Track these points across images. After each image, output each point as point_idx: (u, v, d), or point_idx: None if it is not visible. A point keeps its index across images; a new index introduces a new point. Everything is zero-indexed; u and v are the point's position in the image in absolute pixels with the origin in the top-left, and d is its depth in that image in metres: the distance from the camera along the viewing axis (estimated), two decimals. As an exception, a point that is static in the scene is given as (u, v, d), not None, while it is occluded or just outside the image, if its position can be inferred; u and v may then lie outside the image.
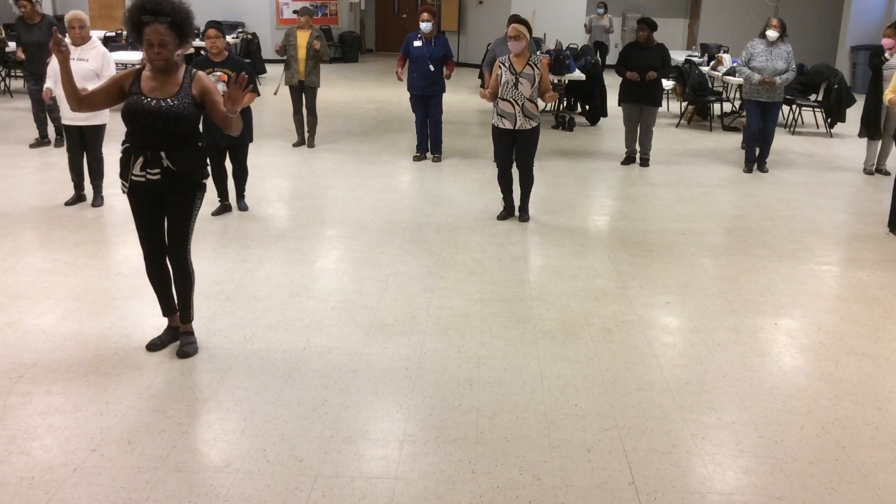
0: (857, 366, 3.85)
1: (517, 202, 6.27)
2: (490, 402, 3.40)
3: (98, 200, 6.22)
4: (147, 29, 3.37)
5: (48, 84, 6.00)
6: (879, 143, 8.15)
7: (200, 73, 3.59)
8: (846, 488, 2.87)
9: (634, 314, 4.39)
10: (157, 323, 4.04)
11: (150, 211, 3.62)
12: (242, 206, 6.23)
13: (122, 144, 3.57)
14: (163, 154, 3.48)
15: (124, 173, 3.56)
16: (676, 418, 3.31)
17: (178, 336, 3.84)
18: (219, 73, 5.80)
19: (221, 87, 5.80)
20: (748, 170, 8.15)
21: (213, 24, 5.81)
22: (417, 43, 7.83)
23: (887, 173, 8.30)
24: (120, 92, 3.51)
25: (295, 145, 8.71)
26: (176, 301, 3.81)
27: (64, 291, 4.44)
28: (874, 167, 8.26)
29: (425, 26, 7.76)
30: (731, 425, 3.27)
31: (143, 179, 3.51)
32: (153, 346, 3.80)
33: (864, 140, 8.33)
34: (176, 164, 3.51)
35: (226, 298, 4.42)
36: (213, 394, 3.39)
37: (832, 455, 3.08)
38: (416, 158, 8.25)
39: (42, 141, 8.33)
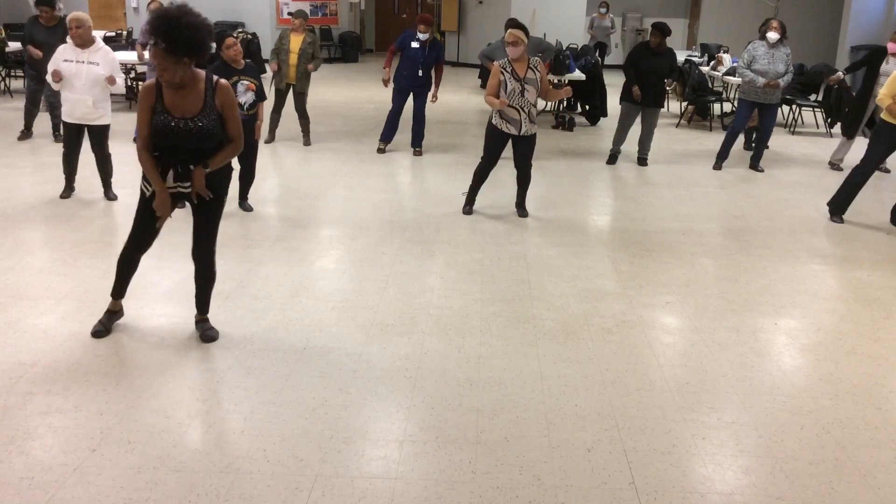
0: (857, 366, 3.85)
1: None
2: (490, 402, 3.40)
3: (111, 194, 6.33)
4: (152, 49, 3.41)
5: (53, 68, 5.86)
6: (852, 142, 8.29)
7: (223, 83, 3.60)
8: (846, 488, 2.87)
9: (634, 314, 4.39)
10: (158, 323, 4.05)
11: (156, 217, 3.72)
12: (247, 207, 6.21)
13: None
14: (193, 168, 3.60)
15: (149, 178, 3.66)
16: (676, 418, 3.31)
17: (196, 325, 3.97)
18: (246, 83, 5.77)
19: (250, 97, 5.79)
20: (718, 167, 8.20)
21: (227, 33, 5.82)
22: (415, 44, 8.05)
23: (887, 170, 8.32)
24: (153, 112, 3.54)
25: (267, 142, 8.62)
26: (195, 295, 3.93)
27: (64, 291, 4.44)
28: (841, 162, 8.38)
29: (423, 37, 8.00)
30: (731, 425, 3.27)
31: (174, 191, 3.65)
32: (98, 333, 3.88)
33: (865, 139, 8.35)
34: (207, 177, 3.64)
35: (226, 298, 4.42)
36: (213, 394, 3.39)
37: (832, 455, 3.08)
38: (380, 151, 8.36)
39: (27, 133, 8.44)
